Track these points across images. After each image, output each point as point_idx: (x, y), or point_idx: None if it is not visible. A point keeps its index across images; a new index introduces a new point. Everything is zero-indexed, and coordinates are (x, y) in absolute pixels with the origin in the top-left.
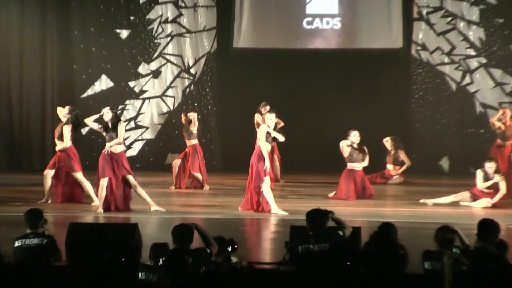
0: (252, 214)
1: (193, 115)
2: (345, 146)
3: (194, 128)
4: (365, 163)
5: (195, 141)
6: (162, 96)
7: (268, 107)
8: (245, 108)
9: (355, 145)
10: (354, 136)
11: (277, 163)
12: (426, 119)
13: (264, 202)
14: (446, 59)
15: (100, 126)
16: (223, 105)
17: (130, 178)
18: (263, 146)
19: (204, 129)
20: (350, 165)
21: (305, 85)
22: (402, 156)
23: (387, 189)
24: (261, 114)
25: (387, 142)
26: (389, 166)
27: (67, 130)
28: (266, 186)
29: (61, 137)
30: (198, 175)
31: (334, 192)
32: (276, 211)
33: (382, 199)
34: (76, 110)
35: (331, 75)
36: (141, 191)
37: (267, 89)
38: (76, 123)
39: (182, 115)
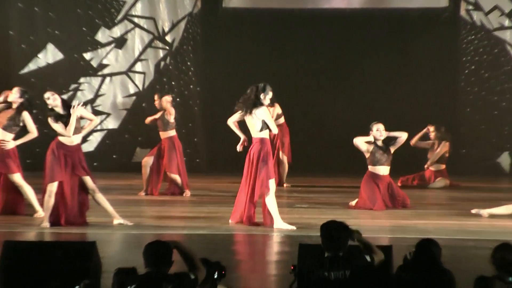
0: (247, 228)
1: (168, 100)
2: (361, 144)
3: (171, 116)
4: (404, 135)
5: (172, 133)
6: (128, 72)
7: (270, 93)
8: (238, 88)
9: (379, 143)
10: (378, 131)
11: (285, 163)
12: (479, 102)
13: (266, 212)
14: (507, 22)
15: (50, 115)
16: (209, 84)
17: (88, 180)
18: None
19: (185, 116)
20: (371, 168)
21: (318, 58)
22: (443, 149)
23: (427, 196)
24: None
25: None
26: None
27: (29, 117)
28: (271, 194)
29: (8, 128)
30: (176, 177)
31: (356, 200)
32: (280, 225)
33: (421, 209)
34: (28, 92)
35: (353, 44)
36: (101, 198)
37: (267, 62)
38: (30, 109)
39: (156, 98)
